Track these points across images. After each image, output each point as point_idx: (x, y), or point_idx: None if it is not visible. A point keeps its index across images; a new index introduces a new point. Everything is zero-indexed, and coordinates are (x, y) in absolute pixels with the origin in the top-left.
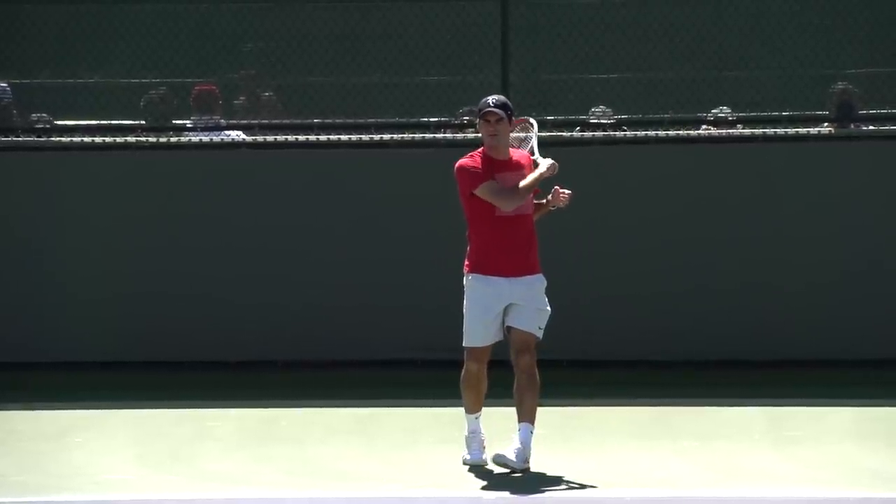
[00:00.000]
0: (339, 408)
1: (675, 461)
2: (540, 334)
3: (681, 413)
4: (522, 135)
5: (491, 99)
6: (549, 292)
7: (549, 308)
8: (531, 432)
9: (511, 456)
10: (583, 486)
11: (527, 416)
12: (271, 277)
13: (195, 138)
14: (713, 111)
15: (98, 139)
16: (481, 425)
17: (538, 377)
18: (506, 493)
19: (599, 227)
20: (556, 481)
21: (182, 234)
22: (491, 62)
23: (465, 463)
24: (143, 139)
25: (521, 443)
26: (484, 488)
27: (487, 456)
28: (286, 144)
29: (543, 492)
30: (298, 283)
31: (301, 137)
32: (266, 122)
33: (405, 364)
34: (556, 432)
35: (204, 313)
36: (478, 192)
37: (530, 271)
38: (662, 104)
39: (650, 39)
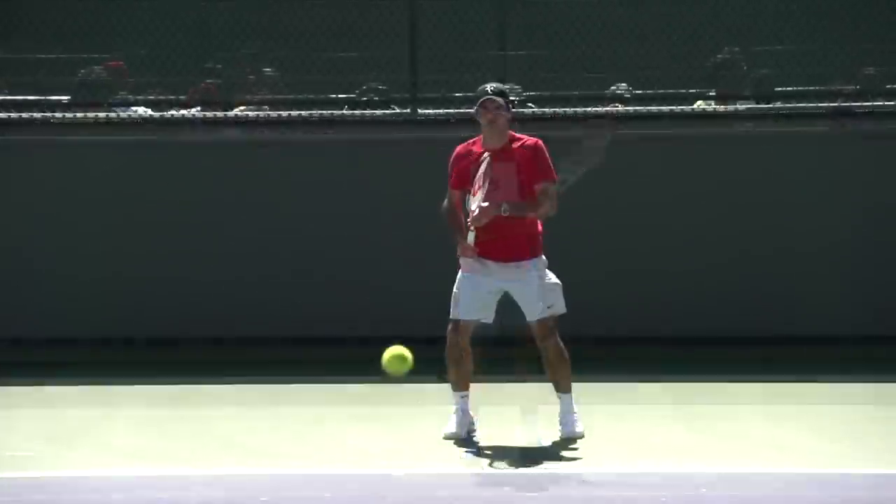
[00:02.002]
0: (250, 384)
1: (584, 437)
2: (549, 312)
3: (588, 390)
4: None
5: (490, 86)
6: None
7: (555, 281)
8: (572, 400)
9: (573, 427)
10: (490, 464)
11: (563, 388)
12: (182, 253)
13: (102, 115)
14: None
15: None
16: (469, 405)
17: (565, 353)
18: (414, 470)
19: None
20: (461, 457)
21: (95, 213)
22: (398, 40)
23: (443, 435)
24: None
25: (565, 412)
26: (390, 464)
27: (477, 431)
28: (193, 120)
29: (448, 466)
30: (211, 260)
31: (210, 114)
32: (174, 97)
33: (318, 341)
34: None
35: (112, 289)
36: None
37: (516, 258)
38: (570, 81)
39: (558, 16)
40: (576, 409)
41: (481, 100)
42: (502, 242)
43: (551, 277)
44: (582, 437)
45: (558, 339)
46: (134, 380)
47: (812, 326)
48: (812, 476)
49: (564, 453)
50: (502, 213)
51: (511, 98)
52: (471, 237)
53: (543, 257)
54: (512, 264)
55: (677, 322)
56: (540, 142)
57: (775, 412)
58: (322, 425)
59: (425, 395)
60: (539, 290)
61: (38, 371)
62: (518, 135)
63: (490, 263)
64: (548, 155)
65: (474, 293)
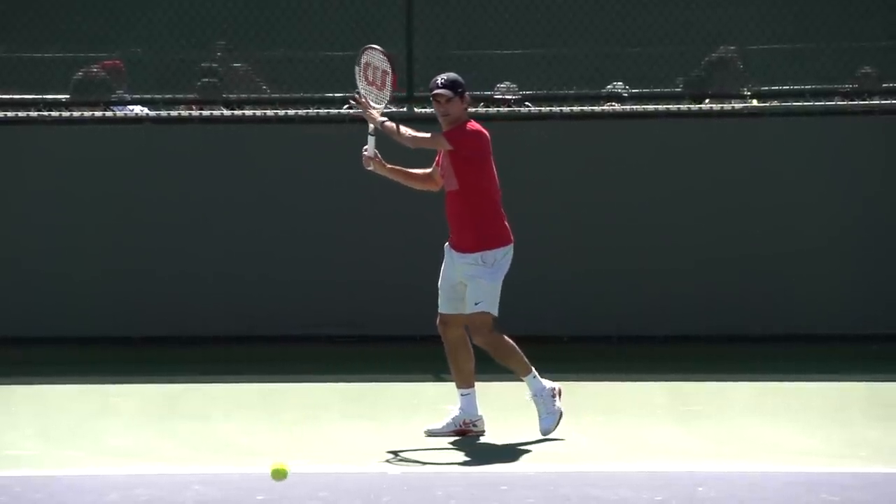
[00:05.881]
0: (243, 383)
1: (578, 436)
2: (479, 308)
3: (583, 388)
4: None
5: (440, 79)
6: None
7: (484, 281)
8: (535, 387)
9: (541, 422)
10: (484, 462)
11: (520, 373)
12: (175, 251)
13: (98, 113)
14: (608, 87)
15: (22, 114)
16: (474, 404)
17: (502, 345)
18: (409, 469)
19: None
20: (456, 456)
21: (84, 210)
22: (395, 36)
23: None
24: (50, 114)
25: (535, 400)
26: (385, 462)
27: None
28: (189, 119)
29: (443, 465)
30: (204, 258)
31: (206, 112)
32: (169, 97)
33: (310, 340)
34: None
35: (108, 289)
36: None
37: (462, 249)
38: (567, 80)
39: (555, 14)
40: (548, 387)
41: (432, 94)
42: (455, 231)
43: (494, 276)
44: (548, 432)
45: (492, 336)
46: (131, 379)
47: (809, 325)
48: (809, 475)
49: (561, 452)
50: (381, 127)
51: (513, 88)
52: (370, 141)
53: (497, 251)
54: (459, 254)
55: (674, 321)
56: (478, 128)
57: (772, 411)
58: (318, 424)
59: (421, 395)
60: (474, 283)
61: (35, 370)
62: (475, 123)
63: (453, 253)
64: (472, 138)
65: (446, 284)
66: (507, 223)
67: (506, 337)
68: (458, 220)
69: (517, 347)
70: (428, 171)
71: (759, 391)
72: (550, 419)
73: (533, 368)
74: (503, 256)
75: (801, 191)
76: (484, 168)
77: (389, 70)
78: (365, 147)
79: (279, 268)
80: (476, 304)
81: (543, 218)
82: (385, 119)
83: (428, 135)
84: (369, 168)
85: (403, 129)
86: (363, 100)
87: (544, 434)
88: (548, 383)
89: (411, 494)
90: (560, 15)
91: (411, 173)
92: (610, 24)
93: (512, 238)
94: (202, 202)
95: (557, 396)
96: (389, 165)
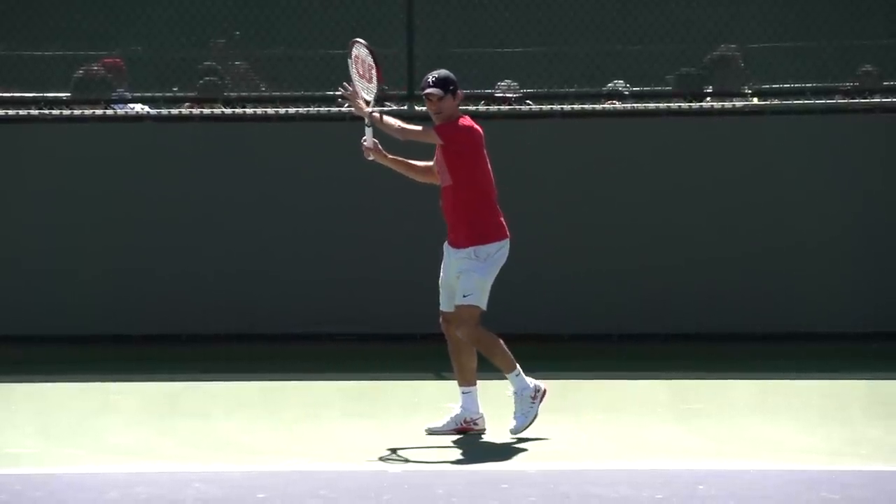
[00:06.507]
0: (243, 381)
1: (578, 434)
2: (467, 301)
3: (583, 386)
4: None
5: (431, 77)
6: None
7: (475, 274)
8: (518, 385)
9: (514, 420)
10: (484, 460)
11: (504, 370)
12: (176, 249)
13: (99, 111)
14: (609, 85)
15: (23, 112)
16: (476, 402)
17: (487, 338)
18: (410, 467)
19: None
20: (457, 454)
21: (84, 209)
22: (396, 35)
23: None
24: (50, 112)
25: (515, 398)
26: (385, 460)
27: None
28: (190, 117)
29: (443, 463)
30: (205, 256)
31: (207, 111)
32: (170, 94)
33: (310, 338)
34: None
35: (108, 287)
36: None
37: (456, 244)
38: (567, 78)
39: (556, 12)
40: (532, 385)
41: (423, 93)
42: (450, 226)
43: (486, 270)
44: (518, 431)
45: (477, 330)
46: (131, 377)
47: (809, 323)
48: (809, 473)
49: (561, 450)
50: (373, 118)
51: (513, 86)
52: (368, 132)
53: (491, 247)
54: (455, 249)
55: (674, 319)
56: (470, 124)
57: (772, 409)
58: (318, 422)
59: (422, 393)
60: (466, 276)
61: (35, 368)
62: (468, 119)
63: (449, 249)
64: (463, 133)
65: (445, 283)
66: (502, 219)
67: (491, 332)
68: (452, 216)
69: (502, 343)
70: (429, 164)
71: (759, 389)
72: (523, 419)
73: (518, 366)
74: (497, 251)
75: (802, 189)
76: (477, 163)
77: (373, 64)
78: (364, 138)
79: (280, 266)
80: (465, 296)
81: (544, 216)
82: (372, 111)
83: (419, 128)
84: (370, 158)
85: (392, 121)
86: (351, 91)
87: (513, 433)
88: (532, 382)
89: (412, 492)
90: (560, 13)
91: (413, 165)
92: (610, 22)
93: (507, 233)
94: (203, 200)
95: (539, 397)
96: (391, 157)
